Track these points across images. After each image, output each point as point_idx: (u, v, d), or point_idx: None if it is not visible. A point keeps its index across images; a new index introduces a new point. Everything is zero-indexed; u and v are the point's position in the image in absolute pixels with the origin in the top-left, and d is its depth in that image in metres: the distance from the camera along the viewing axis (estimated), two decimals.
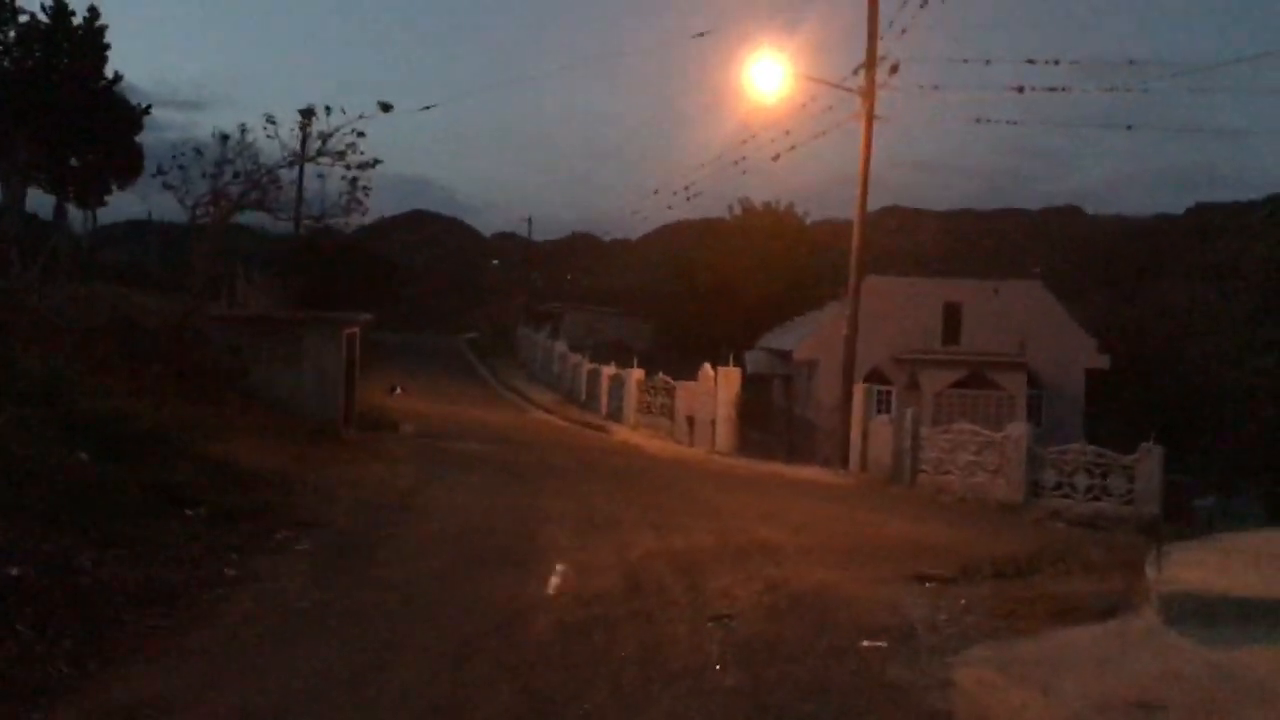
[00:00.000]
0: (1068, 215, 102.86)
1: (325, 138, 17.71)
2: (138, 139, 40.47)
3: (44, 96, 34.99)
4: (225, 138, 17.89)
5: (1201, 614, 6.50)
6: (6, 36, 37.09)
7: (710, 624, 7.71)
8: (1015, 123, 41.81)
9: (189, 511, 9.78)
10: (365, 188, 19.17)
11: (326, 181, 19.40)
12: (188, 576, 7.91)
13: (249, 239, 42.11)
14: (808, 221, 55.03)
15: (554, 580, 9.21)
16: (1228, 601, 6.55)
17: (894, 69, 21.90)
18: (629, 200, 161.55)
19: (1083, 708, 5.51)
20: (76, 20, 38.20)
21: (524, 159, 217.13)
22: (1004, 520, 18.49)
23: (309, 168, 20.95)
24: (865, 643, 7.12)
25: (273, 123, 17.39)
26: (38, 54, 37.51)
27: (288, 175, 18.89)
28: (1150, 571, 7.28)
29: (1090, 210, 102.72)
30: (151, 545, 8.36)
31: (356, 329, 23.65)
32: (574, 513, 13.61)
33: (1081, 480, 20.41)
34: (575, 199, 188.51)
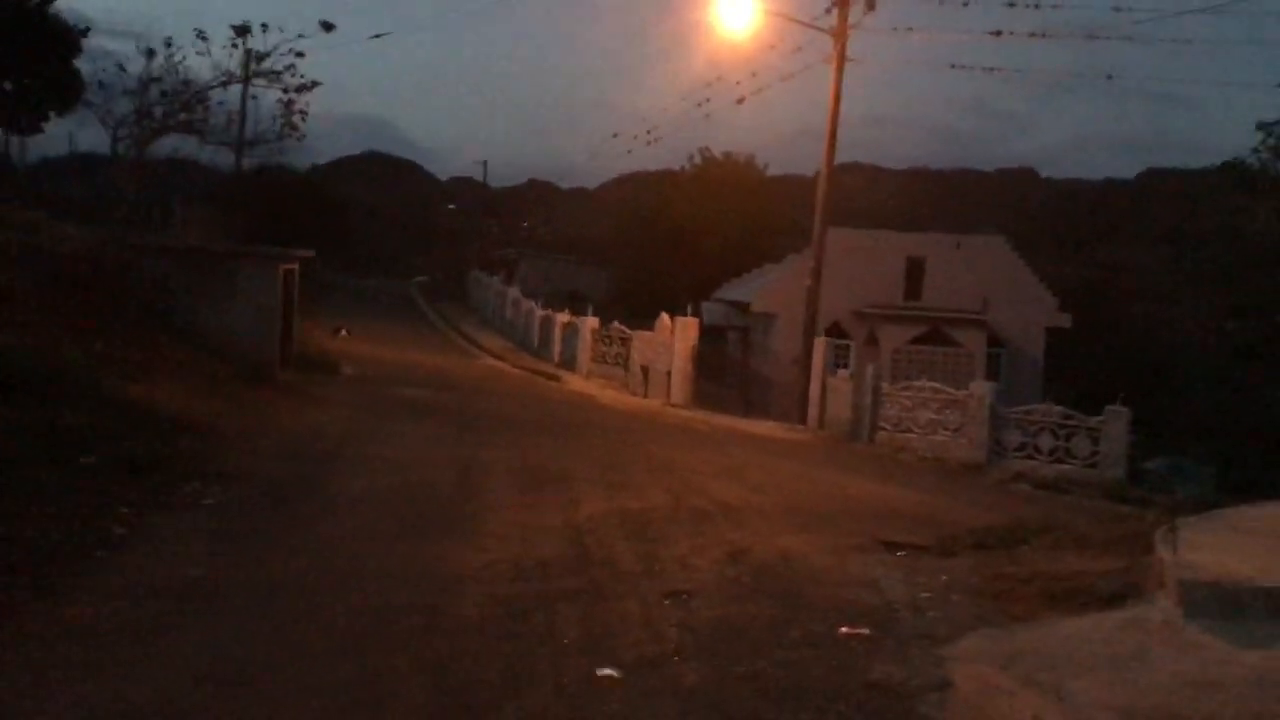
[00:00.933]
0: (1021, 177, 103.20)
1: (261, 57, 16.32)
2: (77, 64, 38.31)
3: None
4: (151, 53, 16.46)
5: (1227, 605, 5.70)
6: None
7: (667, 602, 6.80)
8: (993, 69, 40.69)
9: (83, 459, 8.66)
10: (301, 112, 17.82)
11: (260, 105, 18.02)
12: (66, 536, 6.82)
13: (192, 172, 40.37)
14: (768, 174, 54.10)
15: (491, 546, 8.24)
16: (1255, 591, 5.74)
17: (870, 5, 20.81)
18: (589, 146, 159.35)
19: None
20: None
21: (481, 102, 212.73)
22: (967, 481, 17.96)
23: (241, 91, 19.46)
24: (844, 629, 6.25)
25: (204, 39, 15.98)
26: None
27: (219, 96, 17.47)
28: (1164, 552, 6.46)
29: (1044, 173, 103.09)
30: (27, 497, 7.25)
31: (296, 265, 22.36)
32: (519, 467, 12.67)
33: (1046, 441, 19.85)
34: (533, 144, 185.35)
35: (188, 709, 4.69)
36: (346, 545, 7.95)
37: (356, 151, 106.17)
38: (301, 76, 16.85)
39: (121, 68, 16.04)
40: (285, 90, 16.46)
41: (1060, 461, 19.44)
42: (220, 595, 6.35)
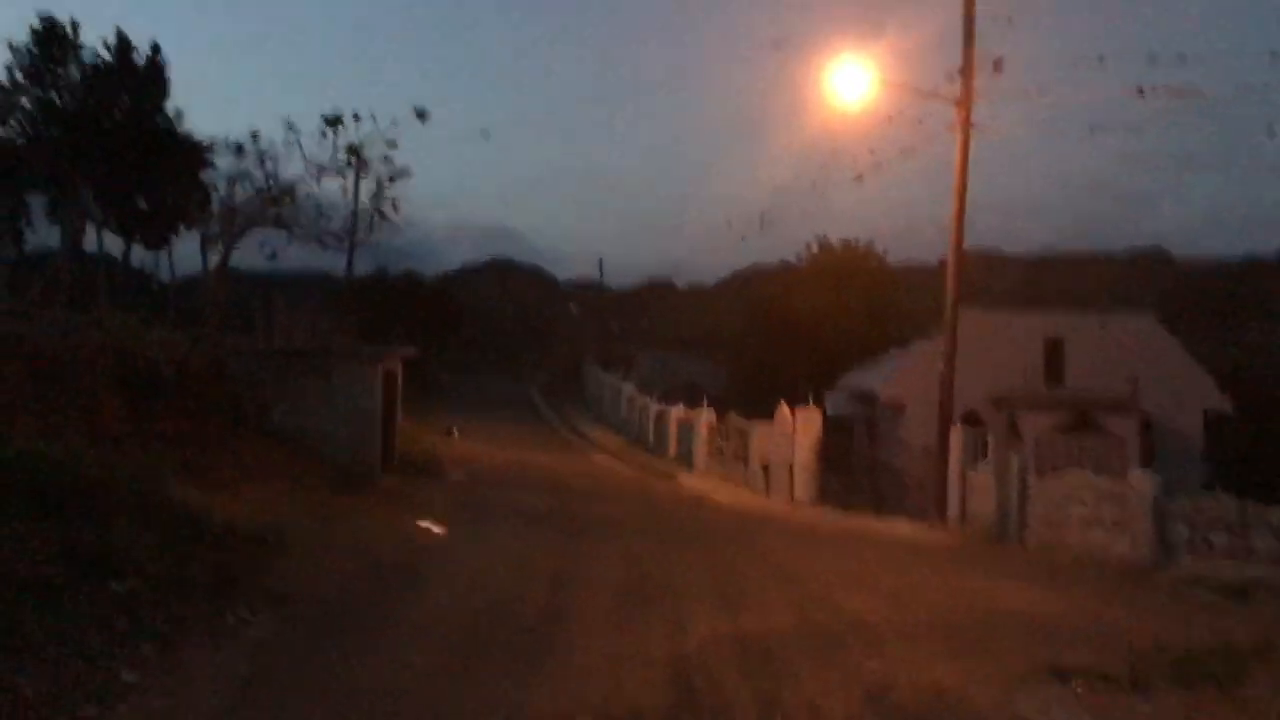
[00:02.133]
0: (1153, 257, 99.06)
1: (355, 150, 15.79)
2: (202, 178, 39.15)
3: (106, 137, 34.10)
4: (239, 149, 16.08)
5: None
6: (68, 74, 36.29)
7: None
8: (1137, 129, 37.12)
9: (115, 585, 7.55)
10: (393, 201, 17.21)
11: (354, 198, 17.62)
12: (58, 682, 5.63)
13: (299, 277, 40.92)
14: (888, 261, 52.33)
15: (574, 686, 6.80)
16: None
17: (997, 65, 19.18)
18: (705, 241, 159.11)
19: None
20: (138, 58, 37.27)
21: (593, 201, 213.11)
22: (1135, 587, 15.73)
23: (332, 183, 19.15)
24: None
25: (294, 130, 15.53)
26: (99, 93, 36.57)
27: (306, 189, 17.05)
28: None
29: (1177, 252, 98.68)
30: (30, 633, 6.12)
31: (399, 365, 21.64)
32: (622, 579, 11.24)
33: (1220, 538, 17.47)
34: (648, 243, 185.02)
35: None
36: (398, 685, 6.61)
37: (481, 258, 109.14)
38: (395, 165, 16.49)
39: (212, 165, 15.89)
40: (378, 182, 16.04)
41: (1242, 561, 17.05)
42: None
